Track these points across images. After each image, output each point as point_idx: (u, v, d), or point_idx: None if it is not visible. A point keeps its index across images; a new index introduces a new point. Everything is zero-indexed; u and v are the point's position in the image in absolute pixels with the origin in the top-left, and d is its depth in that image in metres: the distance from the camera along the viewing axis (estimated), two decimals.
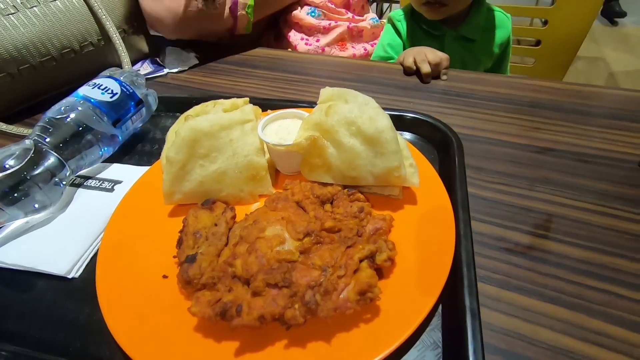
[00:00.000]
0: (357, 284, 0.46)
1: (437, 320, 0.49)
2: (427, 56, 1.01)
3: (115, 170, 0.76)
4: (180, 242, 0.57)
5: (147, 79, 1.02)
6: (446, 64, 1.01)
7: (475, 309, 0.46)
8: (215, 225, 0.58)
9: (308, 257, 0.50)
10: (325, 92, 0.66)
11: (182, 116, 0.65)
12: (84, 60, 1.00)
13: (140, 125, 0.87)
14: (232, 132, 0.64)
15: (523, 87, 0.95)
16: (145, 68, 1.15)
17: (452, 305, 0.49)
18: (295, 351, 0.45)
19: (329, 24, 1.37)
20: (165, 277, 0.54)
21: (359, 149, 0.59)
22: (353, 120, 0.59)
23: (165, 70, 1.13)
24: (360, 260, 0.48)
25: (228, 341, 0.46)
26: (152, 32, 1.19)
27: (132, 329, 0.48)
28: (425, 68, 0.99)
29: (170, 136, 0.66)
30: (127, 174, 0.74)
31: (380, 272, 0.52)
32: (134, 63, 1.13)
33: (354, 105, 0.61)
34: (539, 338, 0.47)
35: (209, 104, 0.68)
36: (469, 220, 0.57)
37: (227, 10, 1.14)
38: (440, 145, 0.76)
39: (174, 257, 0.55)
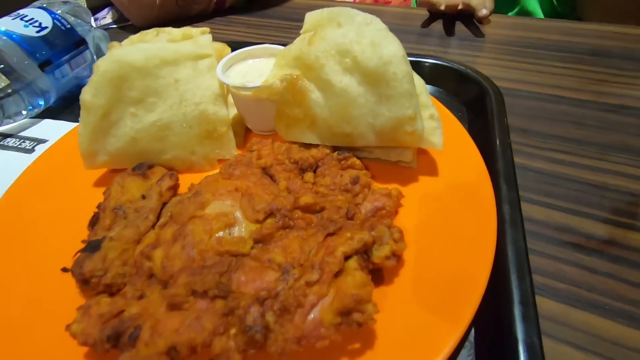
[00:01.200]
0: (337, 296, 0.27)
1: (467, 355, 0.31)
2: None
3: (44, 127, 0.59)
4: (94, 221, 0.40)
5: (109, 29, 0.84)
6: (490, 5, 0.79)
7: (535, 344, 0.27)
8: (144, 197, 0.40)
9: (266, 249, 0.32)
10: (312, 15, 0.46)
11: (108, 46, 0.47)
12: None
13: (87, 73, 0.69)
14: (179, 70, 0.46)
15: (581, 33, 0.73)
16: (112, 16, 0.97)
17: (494, 333, 0.30)
18: None
19: None
20: (65, 270, 0.37)
21: (356, 92, 0.40)
22: (347, 48, 0.40)
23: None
24: (347, 257, 0.30)
25: None
26: None
27: None
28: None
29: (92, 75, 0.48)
30: (57, 131, 0.57)
31: (380, 275, 0.33)
32: (96, 10, 0.95)
33: (349, 28, 0.41)
34: None
35: (150, 32, 0.49)
36: (518, 200, 0.38)
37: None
38: (471, 101, 0.56)
39: (83, 241, 0.38)
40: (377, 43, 0.39)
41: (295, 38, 0.72)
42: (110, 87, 0.42)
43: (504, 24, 0.78)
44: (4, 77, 0.56)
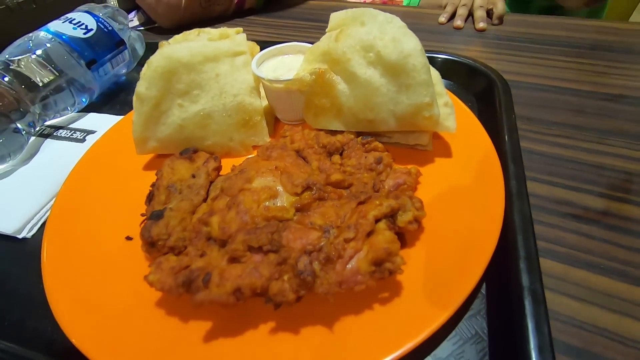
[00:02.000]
0: (371, 250, 0.33)
1: (480, 304, 0.36)
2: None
3: (91, 120, 0.65)
4: (150, 197, 0.45)
5: (137, 31, 0.90)
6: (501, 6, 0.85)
7: (538, 290, 0.33)
8: (193, 176, 0.46)
9: (306, 215, 0.37)
10: (337, 15, 0.52)
11: (159, 44, 0.53)
12: (66, 2, 0.88)
13: (125, 71, 0.75)
14: (219, 66, 0.51)
15: (582, 29, 0.78)
16: (139, 18, 1.03)
17: (503, 284, 0.36)
18: (284, 340, 0.33)
19: None
20: (129, 238, 0.43)
21: (378, 82, 0.45)
22: (371, 44, 0.45)
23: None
24: (377, 220, 0.35)
25: (196, 321, 0.35)
26: None
27: (76, 302, 0.37)
28: (481, 13, 0.85)
29: (144, 70, 0.54)
30: (103, 123, 0.63)
31: (403, 239, 0.39)
32: (126, 12, 1.01)
33: (372, 26, 0.46)
34: (627, 334, 0.33)
35: (192, 32, 0.55)
36: (524, 176, 0.43)
37: (234, 0, 1.01)
38: (480, 92, 0.61)
39: (142, 214, 0.44)
40: (398, 39, 0.44)
41: (312, 37, 0.79)
42: (161, 81, 0.48)
43: (510, 21, 0.83)
44: (55, 73, 0.62)
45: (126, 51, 0.71)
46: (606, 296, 0.36)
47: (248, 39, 0.60)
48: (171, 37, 0.55)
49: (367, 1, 1.22)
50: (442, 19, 0.86)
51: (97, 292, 0.38)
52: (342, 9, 0.51)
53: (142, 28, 0.99)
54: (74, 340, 0.33)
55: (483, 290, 0.37)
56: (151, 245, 0.39)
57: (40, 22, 0.86)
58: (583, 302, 0.36)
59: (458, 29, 0.84)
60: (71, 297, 0.37)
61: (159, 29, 0.99)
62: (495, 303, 0.36)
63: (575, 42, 0.73)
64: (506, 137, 0.48)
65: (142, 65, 0.76)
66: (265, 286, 0.32)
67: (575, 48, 0.72)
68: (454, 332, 0.35)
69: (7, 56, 0.59)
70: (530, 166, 0.49)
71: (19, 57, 0.59)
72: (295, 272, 0.31)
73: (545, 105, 0.59)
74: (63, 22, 0.64)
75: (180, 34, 0.55)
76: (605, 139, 0.52)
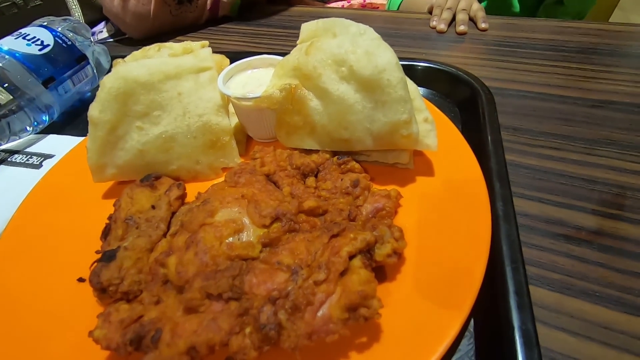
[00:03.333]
0: (344, 294, 0.29)
1: (468, 344, 0.33)
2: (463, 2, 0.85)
3: (50, 143, 0.61)
4: (106, 232, 0.41)
5: (106, 43, 0.86)
6: (481, 14, 0.83)
7: (530, 330, 0.30)
8: (153, 207, 0.42)
9: (274, 252, 0.34)
10: (308, 26, 0.48)
11: (113, 63, 0.49)
12: (29, 17, 0.83)
13: (89, 88, 0.70)
14: (182, 83, 0.47)
15: (568, 32, 0.76)
16: (108, 30, 0.98)
17: (492, 321, 0.32)
18: None
19: None
20: (81, 280, 0.39)
21: (353, 99, 0.42)
22: (343, 58, 0.42)
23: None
24: (351, 257, 0.32)
25: None
26: None
27: (14, 355, 0.32)
28: (463, 17, 0.83)
29: (98, 92, 0.50)
30: (63, 146, 0.59)
31: (382, 273, 0.35)
32: (92, 25, 0.96)
33: (344, 38, 0.43)
34: None
35: (152, 47, 0.51)
36: (511, 197, 0.40)
37: (207, 7, 0.97)
38: (463, 102, 0.58)
39: (97, 252, 0.40)
40: (372, 52, 0.41)
41: (289, 46, 0.74)
42: (116, 103, 0.44)
43: (492, 25, 0.80)
44: (8, 94, 0.57)
45: (89, 66, 0.67)
46: (603, 329, 0.33)
47: (222, 49, 0.57)
48: (142, 47, 0.51)
49: (345, 6, 1.19)
50: (434, 23, 0.83)
51: (39, 346, 0.34)
52: (320, 17, 0.48)
53: (111, 40, 0.95)
54: None
55: (471, 327, 0.34)
56: (102, 292, 0.35)
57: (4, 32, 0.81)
58: (579, 337, 0.33)
59: (441, 32, 0.81)
60: (8, 351, 0.33)
61: (130, 40, 0.94)
62: (485, 343, 0.33)
63: (560, 46, 0.71)
64: (491, 152, 0.45)
65: None
66: (225, 341, 0.28)
67: (560, 52, 0.70)
68: None
69: None
70: (517, 181, 0.46)
71: None
72: (258, 326, 0.28)
73: (531, 113, 0.56)
74: (16, 39, 0.60)
75: (139, 50, 0.51)
76: (595, 149, 0.50)
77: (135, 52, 0.51)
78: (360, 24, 0.44)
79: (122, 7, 0.88)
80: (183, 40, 0.87)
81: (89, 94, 0.72)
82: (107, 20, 0.98)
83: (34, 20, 0.81)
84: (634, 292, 0.35)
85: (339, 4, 1.28)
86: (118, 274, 0.35)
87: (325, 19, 0.47)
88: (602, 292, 0.35)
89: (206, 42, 0.53)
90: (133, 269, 0.35)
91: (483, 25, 0.79)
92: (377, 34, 0.42)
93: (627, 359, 0.31)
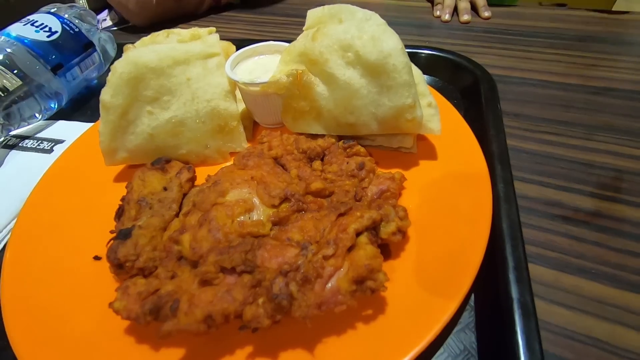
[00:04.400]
0: (352, 267, 0.31)
1: (469, 317, 0.35)
2: None
3: (59, 128, 0.62)
4: (120, 213, 0.42)
5: (109, 31, 0.86)
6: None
7: (528, 302, 0.31)
8: (165, 189, 0.43)
9: (284, 230, 0.35)
10: (314, 13, 0.49)
11: (124, 48, 0.49)
12: (34, 3, 0.83)
13: (95, 75, 0.71)
14: (190, 69, 0.48)
15: (569, 19, 0.76)
16: (112, 18, 0.98)
17: (491, 295, 0.34)
18: None
19: None
20: (97, 258, 0.41)
21: (358, 84, 0.43)
22: (349, 43, 0.42)
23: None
24: (358, 233, 0.33)
25: (169, 348, 0.32)
26: None
27: (38, 330, 0.34)
28: (465, 5, 0.83)
29: (109, 77, 0.51)
30: (73, 131, 0.60)
31: (387, 251, 0.37)
32: (97, 11, 0.97)
33: (350, 24, 0.44)
34: (621, 343, 0.32)
35: (161, 33, 0.52)
36: (511, 179, 0.42)
37: None
38: (466, 88, 0.59)
39: (111, 232, 0.41)
40: (377, 37, 0.41)
41: (293, 33, 0.75)
42: (127, 88, 0.45)
43: (495, 13, 0.81)
44: (17, 80, 0.58)
45: (96, 53, 0.68)
46: (598, 303, 0.35)
47: (226, 37, 0.57)
48: (146, 35, 0.52)
49: None
50: (438, 13, 0.84)
51: (60, 321, 0.35)
52: (324, 3, 0.48)
53: (115, 28, 0.95)
54: None
55: (471, 302, 0.36)
56: (119, 267, 0.36)
57: (12, 19, 0.81)
58: (575, 310, 0.34)
59: (446, 22, 0.81)
60: (32, 328, 0.35)
61: (133, 28, 0.94)
62: (484, 316, 0.34)
63: (562, 34, 0.72)
64: (493, 136, 0.46)
65: None
66: (239, 311, 0.29)
67: (562, 40, 0.70)
68: (442, 349, 0.33)
69: None
70: (518, 165, 0.47)
71: None
72: (270, 296, 0.29)
73: (532, 100, 0.57)
74: (24, 25, 0.60)
75: (148, 36, 0.52)
76: (594, 134, 0.51)
77: (144, 38, 0.51)
78: (367, 10, 0.45)
79: None
80: (187, 27, 0.88)
81: (96, 81, 0.73)
82: (110, 8, 0.98)
83: (39, 7, 0.82)
84: (628, 269, 0.37)
85: None
86: (134, 250, 0.36)
87: (331, 5, 0.47)
88: (597, 270, 0.37)
89: (213, 29, 0.53)
90: (148, 246, 0.37)
91: (486, 14, 0.80)
92: (382, 20, 0.43)
93: (619, 330, 0.33)
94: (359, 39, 0.42)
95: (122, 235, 0.37)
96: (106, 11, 0.99)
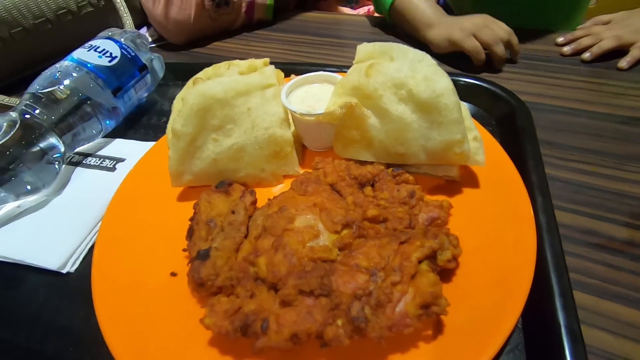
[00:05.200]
0: (418, 293, 0.35)
1: (518, 338, 0.38)
2: (494, 31, 0.74)
3: (118, 147, 0.66)
4: (191, 233, 0.47)
5: (151, 47, 0.91)
6: (515, 39, 0.76)
7: (576, 329, 0.35)
8: (233, 212, 0.47)
9: (350, 255, 0.39)
10: (364, 48, 0.53)
11: (191, 80, 0.54)
12: (83, 22, 0.88)
13: (146, 95, 0.76)
14: (251, 99, 0.52)
15: None
16: (151, 34, 1.03)
17: (539, 319, 0.37)
18: None
19: None
20: (173, 274, 0.45)
21: (410, 119, 0.47)
22: (403, 82, 0.46)
23: None
24: (419, 261, 0.37)
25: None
26: None
27: (133, 341, 0.38)
28: (500, 50, 0.73)
29: (176, 105, 0.55)
30: (131, 150, 0.64)
31: (441, 277, 0.40)
32: (137, 28, 1.01)
33: (403, 63, 0.48)
34: None
35: (222, 65, 0.56)
36: (552, 209, 0.45)
37: (243, 9, 1.01)
38: (502, 117, 0.63)
39: (184, 250, 0.45)
40: (430, 78, 0.45)
41: (328, 54, 0.80)
42: (196, 117, 0.49)
43: (523, 38, 0.84)
44: (83, 102, 0.63)
45: (148, 75, 0.72)
46: (636, 329, 0.38)
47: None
48: (184, 52, 0.56)
49: (360, 12, 1.23)
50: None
51: (149, 329, 0.40)
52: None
53: (154, 45, 1.00)
54: None
55: (519, 324, 0.39)
56: (200, 285, 0.40)
57: (57, 42, 0.86)
58: (615, 335, 0.38)
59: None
60: (125, 335, 0.39)
61: (171, 45, 0.99)
62: (533, 338, 0.38)
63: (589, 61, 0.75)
64: (532, 168, 0.50)
65: (161, 87, 0.78)
66: (320, 331, 0.33)
67: (589, 66, 0.74)
68: None
69: (36, 87, 0.60)
70: (553, 193, 0.50)
71: (48, 89, 0.60)
72: (349, 318, 0.33)
73: (563, 129, 0.61)
74: (88, 51, 0.65)
75: (211, 67, 0.56)
76: (625, 164, 0.54)
77: (207, 69, 0.56)
78: (417, 50, 0.49)
79: (165, 15, 0.93)
80: (222, 46, 0.93)
81: (144, 99, 0.78)
82: (149, 25, 1.03)
83: (87, 25, 0.87)
84: None
85: (364, 9, 1.32)
86: (214, 270, 0.40)
87: (381, 42, 0.52)
88: (634, 297, 0.40)
89: (267, 60, 0.58)
90: (225, 266, 0.41)
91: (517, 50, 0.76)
92: (434, 61, 0.47)
93: None
94: (412, 78, 0.46)
95: (202, 256, 0.41)
96: (145, 28, 1.04)
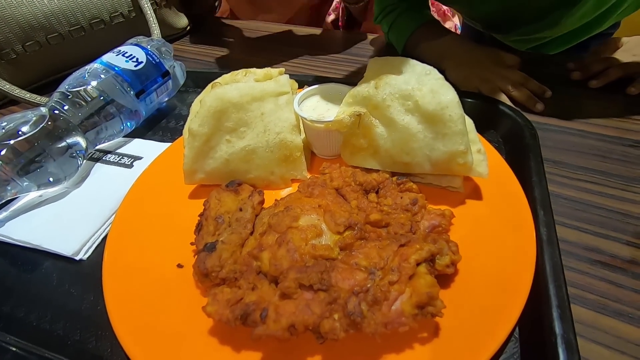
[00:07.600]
0: (414, 293, 0.35)
1: (513, 347, 0.38)
2: (509, 78, 0.74)
3: (136, 146, 0.70)
4: (199, 227, 0.49)
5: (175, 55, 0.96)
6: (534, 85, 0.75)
7: (572, 339, 0.35)
8: (240, 210, 0.49)
9: (350, 255, 0.40)
10: (375, 62, 0.56)
11: (210, 84, 0.57)
12: (114, 31, 0.95)
13: (166, 99, 0.80)
14: (264, 105, 0.55)
15: None
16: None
17: (535, 329, 0.37)
18: None
19: None
20: (180, 266, 0.47)
21: (416, 129, 0.49)
22: (410, 94, 0.48)
23: None
24: (418, 264, 0.38)
25: (248, 351, 0.38)
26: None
27: (136, 325, 0.40)
28: (522, 96, 0.71)
29: (194, 107, 0.58)
30: (149, 150, 0.67)
31: (441, 281, 0.41)
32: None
33: (410, 76, 0.50)
34: None
35: (240, 72, 0.60)
36: (553, 223, 0.46)
37: None
38: (507, 134, 0.64)
39: (192, 243, 0.47)
40: (436, 90, 0.47)
41: (343, 69, 0.83)
42: (212, 119, 0.52)
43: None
44: (108, 103, 0.67)
45: (170, 81, 0.76)
46: (636, 346, 0.38)
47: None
48: (205, 60, 0.59)
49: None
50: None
51: (154, 315, 0.41)
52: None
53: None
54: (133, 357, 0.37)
55: (516, 333, 0.39)
56: (204, 276, 0.42)
57: (88, 48, 0.92)
58: (613, 350, 0.37)
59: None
60: (132, 320, 0.40)
61: (192, 54, 1.04)
62: (529, 348, 0.38)
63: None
64: (535, 184, 0.51)
65: (181, 93, 0.81)
66: (317, 323, 0.34)
67: (596, 89, 0.75)
68: None
69: (66, 87, 0.64)
70: (557, 210, 0.51)
71: (77, 88, 0.64)
72: (345, 312, 0.34)
73: (570, 149, 0.61)
74: (117, 55, 0.70)
75: (229, 74, 0.60)
76: (631, 186, 0.54)
77: (225, 75, 0.59)
78: (425, 64, 0.51)
79: None
80: (242, 58, 0.97)
81: (165, 104, 0.82)
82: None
83: (118, 34, 0.93)
84: None
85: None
86: (219, 262, 0.42)
87: (392, 57, 0.54)
88: (634, 314, 0.40)
89: (282, 69, 0.61)
90: (230, 259, 0.42)
91: (539, 108, 0.72)
92: (440, 75, 0.49)
93: None
94: (419, 90, 0.48)
95: (208, 248, 0.43)
96: None
